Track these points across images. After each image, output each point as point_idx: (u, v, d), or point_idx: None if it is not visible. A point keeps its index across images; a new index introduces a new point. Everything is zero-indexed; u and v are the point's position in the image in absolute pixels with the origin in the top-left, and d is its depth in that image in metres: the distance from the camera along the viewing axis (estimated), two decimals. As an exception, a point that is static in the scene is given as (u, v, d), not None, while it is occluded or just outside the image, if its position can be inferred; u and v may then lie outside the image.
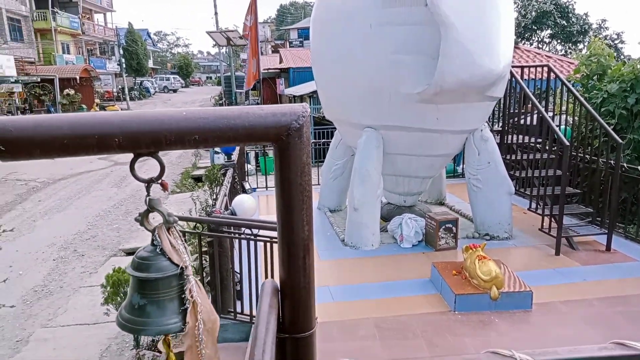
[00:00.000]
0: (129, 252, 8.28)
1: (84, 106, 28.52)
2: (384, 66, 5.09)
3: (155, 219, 1.20)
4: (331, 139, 15.00)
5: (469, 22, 4.55)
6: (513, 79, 6.24)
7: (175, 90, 55.86)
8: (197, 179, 15.04)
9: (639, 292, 4.52)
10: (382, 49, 5.02)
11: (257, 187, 8.80)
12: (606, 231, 5.50)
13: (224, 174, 6.93)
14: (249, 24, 9.75)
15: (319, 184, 7.70)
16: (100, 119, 1.06)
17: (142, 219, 1.20)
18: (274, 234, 3.93)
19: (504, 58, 5.11)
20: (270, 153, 11.72)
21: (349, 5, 5.11)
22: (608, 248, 5.44)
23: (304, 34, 46.95)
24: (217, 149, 14.67)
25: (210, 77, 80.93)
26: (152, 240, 1.18)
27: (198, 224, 4.33)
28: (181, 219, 5.20)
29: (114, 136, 1.05)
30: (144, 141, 1.10)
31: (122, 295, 4.54)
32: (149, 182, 1.21)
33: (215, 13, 24.61)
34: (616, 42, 24.81)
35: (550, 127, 5.54)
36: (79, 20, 33.40)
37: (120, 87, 38.42)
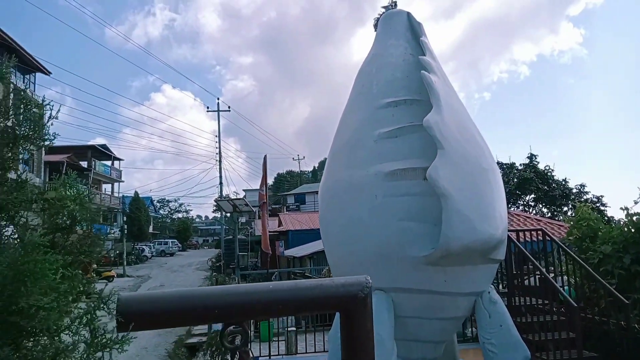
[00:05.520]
0: None
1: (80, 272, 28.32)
2: (390, 232, 5.43)
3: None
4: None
5: (466, 194, 5.04)
6: (512, 243, 6.58)
7: (172, 254, 56.35)
8: (191, 348, 14.13)
9: None
10: (389, 216, 5.43)
11: (260, 356, 8.40)
12: (633, 399, 5.25)
13: (231, 341, 6.69)
14: (264, 192, 10.64)
15: (325, 351, 7.44)
16: (202, 293, 1.26)
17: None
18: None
19: (501, 223, 5.53)
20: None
21: (356, 179, 5.68)
22: (639, 419, 5.13)
23: (300, 198, 49.46)
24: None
25: (207, 240, 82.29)
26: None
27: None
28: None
29: (214, 308, 1.24)
30: (236, 312, 1.28)
31: None
32: (234, 350, 1.36)
33: (220, 183, 26.31)
34: (597, 204, 26.34)
35: (555, 289, 5.70)
36: (87, 190, 35.28)
37: (117, 252, 38.81)
